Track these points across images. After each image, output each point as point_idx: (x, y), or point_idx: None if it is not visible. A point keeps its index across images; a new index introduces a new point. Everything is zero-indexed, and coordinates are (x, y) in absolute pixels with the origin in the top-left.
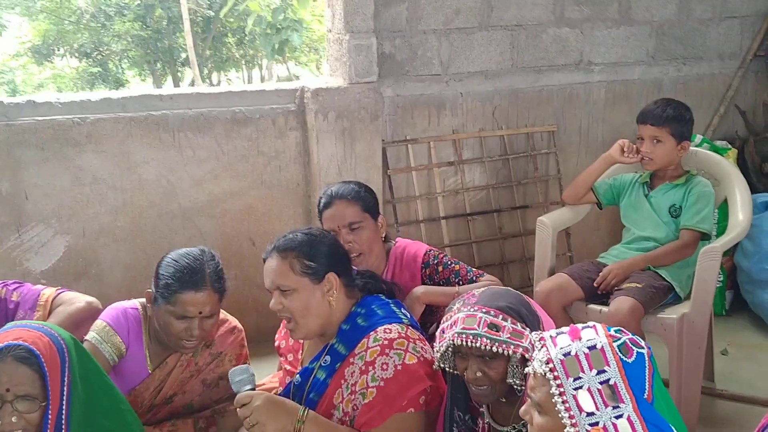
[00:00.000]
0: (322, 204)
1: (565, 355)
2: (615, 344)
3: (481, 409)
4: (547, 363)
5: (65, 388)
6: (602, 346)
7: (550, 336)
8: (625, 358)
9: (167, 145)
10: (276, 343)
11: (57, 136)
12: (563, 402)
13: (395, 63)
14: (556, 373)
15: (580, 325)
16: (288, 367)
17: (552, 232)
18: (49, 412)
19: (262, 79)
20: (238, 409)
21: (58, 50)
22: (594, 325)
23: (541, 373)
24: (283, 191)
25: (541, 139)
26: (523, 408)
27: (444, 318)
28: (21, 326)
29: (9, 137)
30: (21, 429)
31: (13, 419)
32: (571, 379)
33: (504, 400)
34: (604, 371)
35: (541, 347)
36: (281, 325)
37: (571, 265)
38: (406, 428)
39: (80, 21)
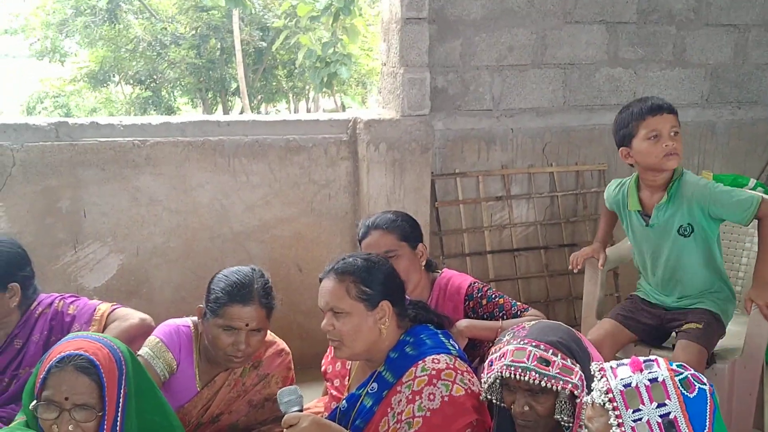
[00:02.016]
0: (360, 234)
1: (625, 386)
2: (677, 378)
3: None
4: (607, 393)
5: (121, 400)
6: (664, 380)
7: (611, 367)
8: (686, 393)
9: (222, 169)
10: (323, 368)
11: (117, 158)
12: None
13: (447, 97)
14: (615, 404)
15: (641, 358)
16: (334, 393)
17: (602, 270)
18: (105, 422)
19: (308, 111)
20: (285, 430)
21: (113, 77)
22: (656, 359)
23: (599, 403)
24: (332, 219)
25: (591, 178)
26: None
27: (493, 349)
28: (82, 337)
29: (72, 156)
30: None
31: (70, 428)
32: (630, 411)
33: None
34: (664, 404)
35: (601, 377)
36: (328, 350)
37: (615, 307)
38: None
39: (137, 49)
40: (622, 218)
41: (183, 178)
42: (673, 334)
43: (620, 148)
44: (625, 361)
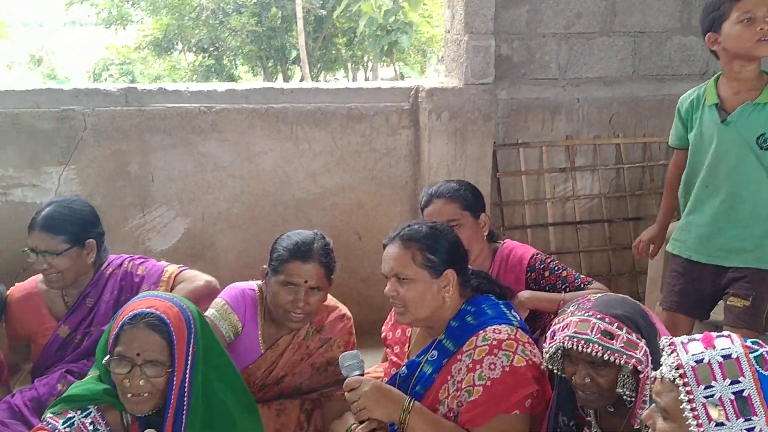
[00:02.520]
0: (422, 203)
1: (697, 362)
2: (751, 355)
3: (588, 418)
4: (677, 369)
5: (190, 357)
6: (738, 356)
7: (681, 342)
8: (761, 370)
9: (285, 137)
10: (382, 335)
11: (183, 123)
12: (692, 410)
13: (512, 65)
14: (686, 380)
15: (714, 334)
16: (394, 359)
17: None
18: (174, 378)
19: (367, 80)
20: (346, 393)
21: (177, 44)
22: (729, 335)
23: (669, 379)
24: (392, 188)
25: (659, 150)
26: (646, 413)
27: (556, 320)
28: (153, 296)
29: (140, 122)
30: (147, 392)
31: (141, 382)
32: (702, 387)
33: (612, 410)
34: (738, 381)
35: (671, 352)
36: (388, 317)
37: (665, 293)
38: (510, 429)
39: (200, 17)
40: (692, 124)
41: (247, 145)
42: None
43: (707, 34)
44: (697, 336)
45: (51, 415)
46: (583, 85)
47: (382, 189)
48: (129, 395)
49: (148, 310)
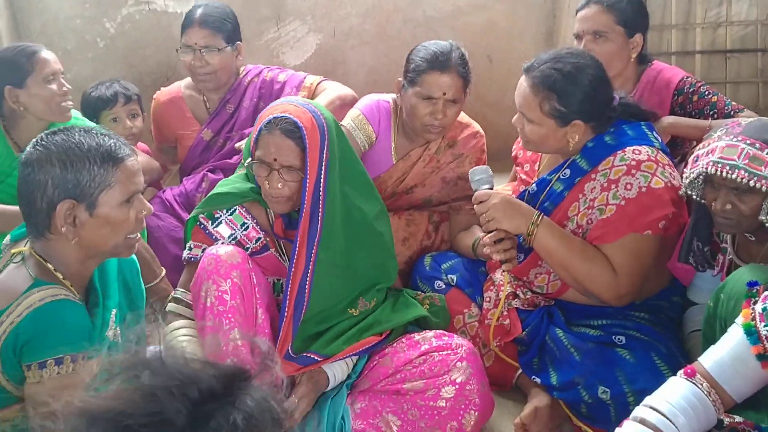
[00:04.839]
0: (579, 5)
1: None
2: None
3: (723, 245)
4: None
5: (324, 163)
6: None
7: None
8: None
9: None
10: (513, 153)
11: None
12: None
13: None
14: None
15: None
16: (523, 177)
17: None
18: (307, 181)
19: None
20: (475, 206)
21: None
22: None
23: None
24: (529, 8)
25: None
26: None
27: (701, 144)
28: (290, 101)
29: None
30: (285, 195)
31: (279, 185)
32: None
33: (753, 238)
34: None
35: None
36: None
37: None
38: (640, 249)
39: None
40: None
41: None
42: None
43: None
44: None
45: (201, 217)
46: None
47: (518, 7)
48: (269, 196)
49: (282, 114)
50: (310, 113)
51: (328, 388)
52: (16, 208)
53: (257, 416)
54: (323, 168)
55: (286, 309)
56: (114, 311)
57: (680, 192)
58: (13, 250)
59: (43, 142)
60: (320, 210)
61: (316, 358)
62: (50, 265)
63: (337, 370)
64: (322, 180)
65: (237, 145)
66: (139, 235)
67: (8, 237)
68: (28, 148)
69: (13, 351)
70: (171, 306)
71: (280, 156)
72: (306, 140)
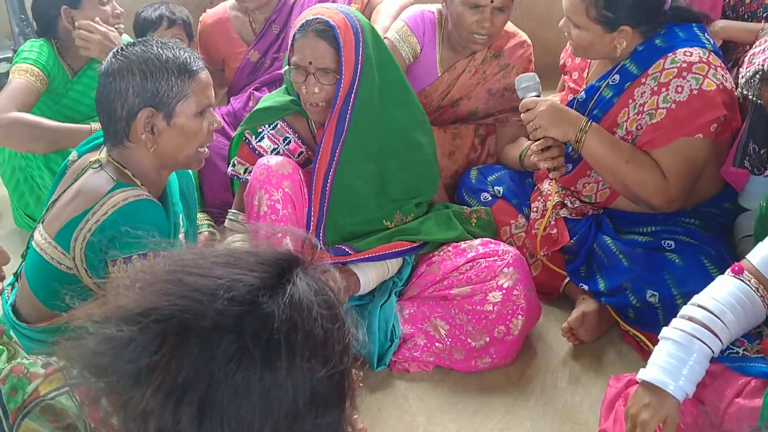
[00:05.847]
0: None
1: None
2: None
3: None
4: None
5: (359, 65)
6: None
7: None
8: None
9: None
10: (561, 62)
11: None
12: None
13: None
14: None
15: None
16: (572, 85)
17: None
18: (342, 81)
19: None
20: (522, 114)
21: None
22: None
23: None
24: None
25: None
26: None
27: (757, 43)
28: (323, 5)
29: None
30: (323, 101)
31: (316, 90)
32: None
33: None
34: None
35: None
36: (567, 44)
37: None
38: (691, 153)
39: None
40: None
41: None
42: None
43: None
44: None
45: (247, 132)
46: None
47: None
48: (308, 104)
49: (315, 16)
50: (343, 14)
51: (360, 292)
52: (74, 125)
53: (311, 299)
54: (358, 69)
55: (312, 204)
56: (181, 216)
57: (735, 93)
58: (90, 159)
59: (123, 53)
60: (349, 109)
61: (348, 250)
62: (128, 171)
63: (369, 275)
64: (356, 80)
65: None
66: (206, 149)
67: (74, 153)
68: (108, 58)
69: (99, 248)
70: (228, 223)
71: (315, 59)
72: (340, 39)
